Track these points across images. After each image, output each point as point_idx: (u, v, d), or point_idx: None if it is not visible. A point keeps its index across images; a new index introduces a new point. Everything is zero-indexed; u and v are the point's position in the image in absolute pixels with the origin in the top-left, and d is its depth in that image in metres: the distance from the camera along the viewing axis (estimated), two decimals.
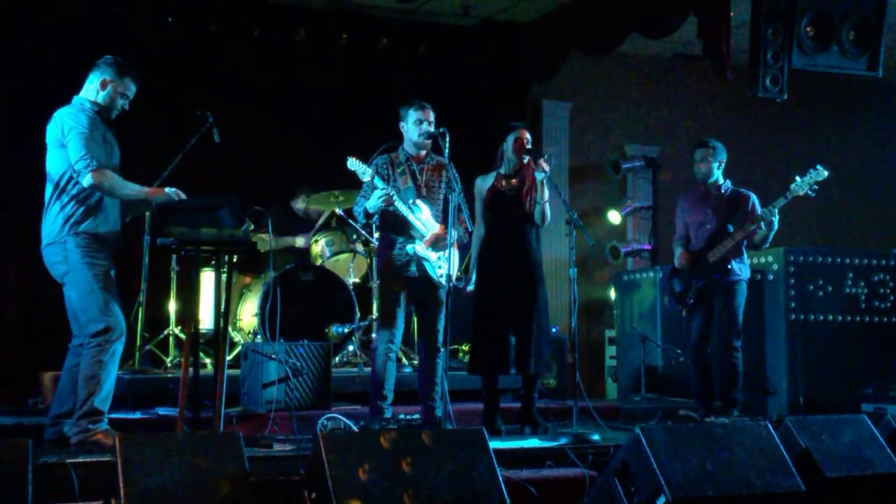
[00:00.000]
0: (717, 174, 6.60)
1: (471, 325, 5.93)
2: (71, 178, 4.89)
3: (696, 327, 6.56)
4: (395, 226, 5.75)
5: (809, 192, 6.31)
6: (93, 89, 5.03)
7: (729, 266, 6.41)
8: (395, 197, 5.59)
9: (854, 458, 4.84)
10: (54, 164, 4.96)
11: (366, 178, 5.62)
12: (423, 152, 5.83)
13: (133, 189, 4.96)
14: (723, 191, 6.60)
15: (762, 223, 6.32)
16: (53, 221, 4.93)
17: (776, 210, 6.29)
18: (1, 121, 7.47)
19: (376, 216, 5.73)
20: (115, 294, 4.95)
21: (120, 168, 5.07)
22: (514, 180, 5.92)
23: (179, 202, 4.93)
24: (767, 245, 6.53)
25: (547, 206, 5.84)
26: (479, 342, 5.91)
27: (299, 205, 8.03)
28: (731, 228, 6.45)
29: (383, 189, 5.57)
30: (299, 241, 7.74)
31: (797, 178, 6.33)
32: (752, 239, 6.47)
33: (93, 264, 4.88)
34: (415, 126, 5.73)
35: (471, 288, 5.98)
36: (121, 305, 4.98)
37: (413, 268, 5.73)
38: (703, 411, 6.48)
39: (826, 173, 6.30)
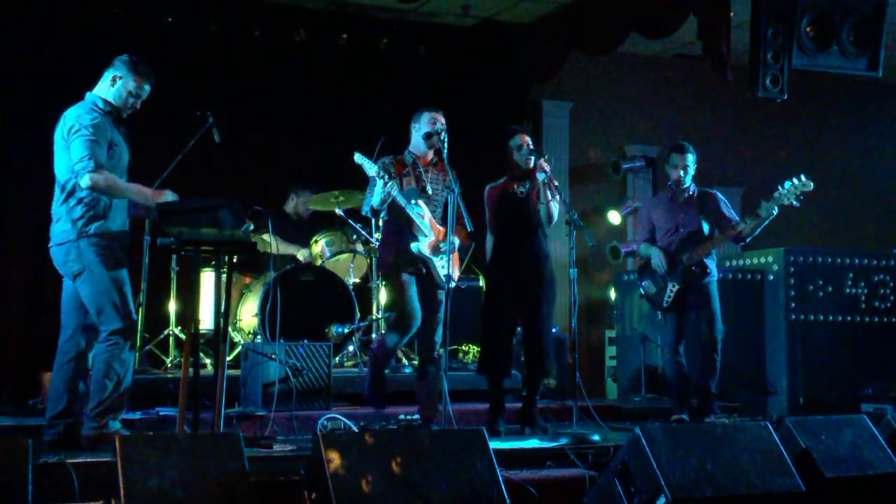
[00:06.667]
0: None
1: (482, 326, 5.92)
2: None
3: (671, 331, 6.49)
4: (404, 218, 5.73)
5: (794, 203, 6.22)
6: (104, 86, 5.03)
7: (705, 267, 6.37)
8: (394, 191, 5.59)
9: (854, 458, 4.85)
10: (61, 167, 4.95)
11: (371, 172, 5.62)
12: (430, 155, 5.84)
13: (133, 191, 4.95)
14: (691, 192, 6.53)
15: (746, 221, 6.26)
16: (63, 223, 4.92)
17: (772, 210, 6.20)
18: (1, 122, 7.46)
19: (384, 211, 5.73)
20: (129, 292, 4.98)
21: (128, 169, 5.07)
22: (523, 183, 5.93)
23: (180, 203, 4.93)
24: (748, 241, 6.47)
25: (552, 204, 5.86)
26: (490, 343, 5.91)
27: (289, 205, 7.98)
28: (706, 229, 6.41)
29: (383, 186, 5.57)
30: (301, 255, 7.69)
31: (780, 187, 6.22)
32: (739, 235, 6.38)
33: (108, 263, 4.88)
34: (428, 126, 5.75)
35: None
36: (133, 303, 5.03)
37: (419, 263, 5.73)
38: (686, 413, 6.41)
39: (811, 184, 6.18)
